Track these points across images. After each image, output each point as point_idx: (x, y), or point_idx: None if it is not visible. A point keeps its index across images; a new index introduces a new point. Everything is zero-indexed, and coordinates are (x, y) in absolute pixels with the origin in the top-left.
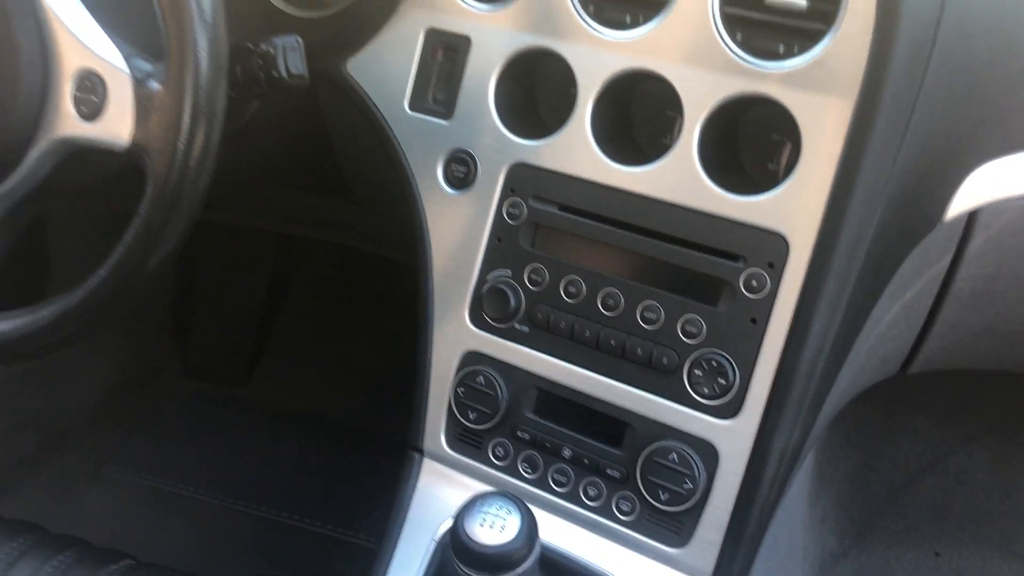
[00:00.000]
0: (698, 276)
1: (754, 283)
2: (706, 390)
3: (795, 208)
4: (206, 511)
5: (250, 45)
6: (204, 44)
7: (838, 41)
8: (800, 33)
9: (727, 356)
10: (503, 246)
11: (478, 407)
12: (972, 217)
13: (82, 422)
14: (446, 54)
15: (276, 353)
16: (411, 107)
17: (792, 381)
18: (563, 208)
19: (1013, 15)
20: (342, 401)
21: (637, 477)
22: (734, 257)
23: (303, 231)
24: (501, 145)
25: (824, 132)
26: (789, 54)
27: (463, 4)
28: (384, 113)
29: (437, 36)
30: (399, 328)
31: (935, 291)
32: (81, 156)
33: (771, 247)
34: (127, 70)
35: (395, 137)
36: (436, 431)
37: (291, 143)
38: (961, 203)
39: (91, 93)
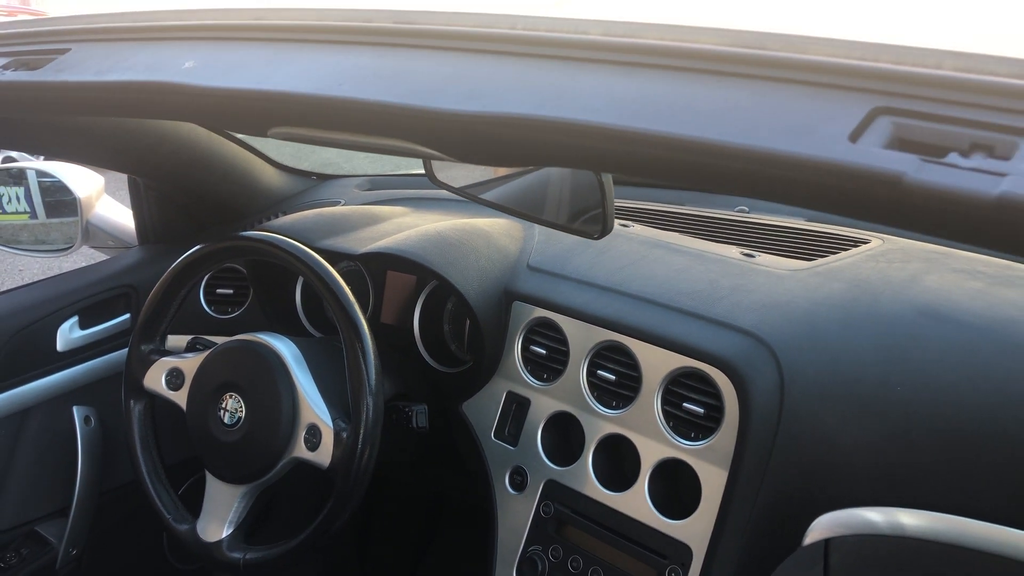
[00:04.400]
0: (647, 565)
1: (672, 574)
2: None
3: (695, 531)
4: None
5: (399, 405)
6: (369, 408)
7: (719, 438)
8: (702, 428)
9: None
10: (537, 531)
11: None
12: (827, 542)
13: None
14: (517, 406)
15: None
16: (495, 436)
17: None
18: (574, 511)
19: (832, 428)
20: None
21: None
22: (664, 556)
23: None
24: (542, 467)
25: (713, 487)
26: (697, 439)
27: (528, 380)
28: (480, 438)
29: (513, 395)
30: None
31: None
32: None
33: (683, 553)
34: (332, 427)
35: (484, 453)
36: None
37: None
38: (814, 535)
39: (313, 436)
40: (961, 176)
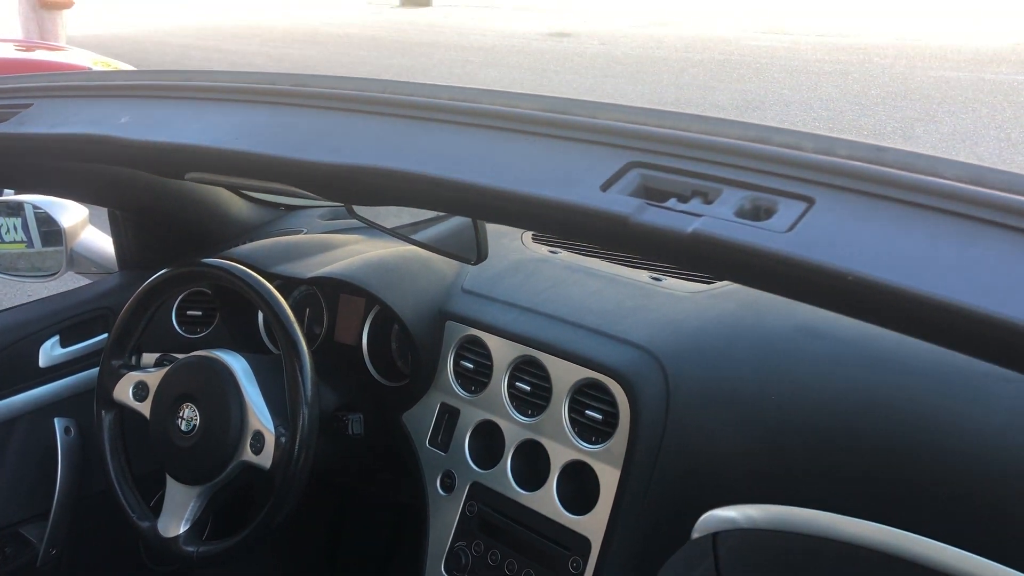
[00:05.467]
0: (553, 557)
1: (573, 566)
2: None
3: (594, 525)
4: None
5: (338, 414)
6: (305, 417)
7: (614, 441)
8: (601, 432)
9: None
10: (463, 528)
11: None
12: (715, 536)
13: None
14: (449, 416)
15: None
16: (429, 443)
17: None
18: (494, 510)
19: (713, 432)
20: None
21: None
22: (567, 548)
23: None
24: (468, 470)
25: (609, 485)
26: (597, 443)
27: (458, 392)
28: (417, 445)
29: (445, 406)
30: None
31: None
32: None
33: (583, 545)
34: (274, 433)
35: (420, 457)
36: None
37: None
38: (701, 529)
39: (258, 442)
40: (669, 216)
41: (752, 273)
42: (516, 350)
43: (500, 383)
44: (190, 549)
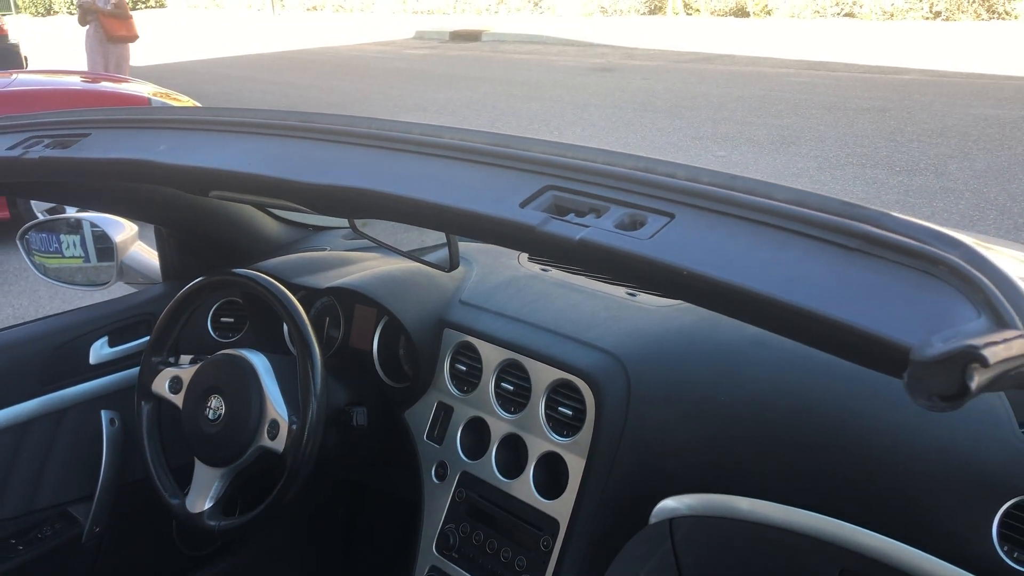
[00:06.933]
0: (528, 536)
1: (544, 545)
2: None
3: (562, 509)
4: None
5: (344, 408)
6: (314, 408)
7: (582, 434)
8: (571, 427)
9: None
10: (452, 513)
11: None
12: (671, 522)
13: None
14: (444, 413)
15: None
16: (427, 437)
17: None
18: (480, 496)
19: (667, 428)
20: None
21: None
22: (540, 528)
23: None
24: (458, 461)
25: (576, 473)
26: (567, 436)
27: (452, 391)
28: (416, 440)
29: (441, 404)
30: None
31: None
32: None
33: (553, 525)
34: (287, 421)
35: (419, 451)
36: None
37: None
38: (657, 515)
39: (273, 429)
40: (564, 227)
41: (621, 270)
42: (502, 354)
43: (488, 384)
44: (212, 523)
